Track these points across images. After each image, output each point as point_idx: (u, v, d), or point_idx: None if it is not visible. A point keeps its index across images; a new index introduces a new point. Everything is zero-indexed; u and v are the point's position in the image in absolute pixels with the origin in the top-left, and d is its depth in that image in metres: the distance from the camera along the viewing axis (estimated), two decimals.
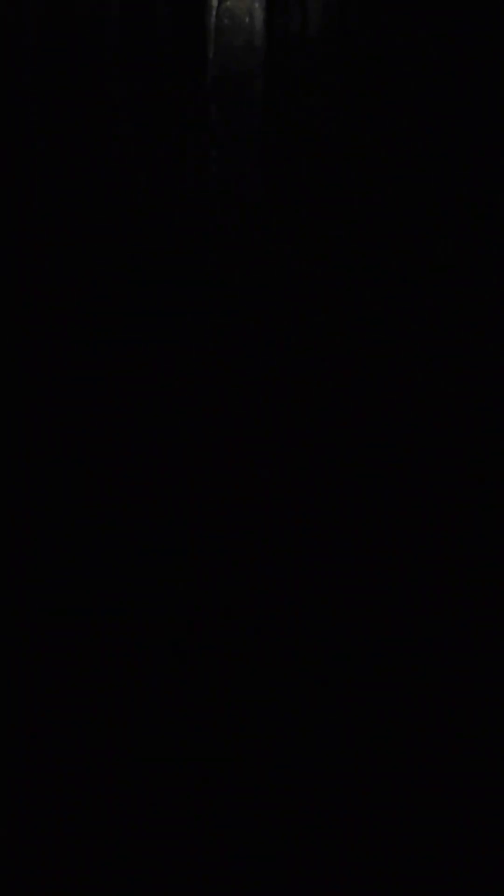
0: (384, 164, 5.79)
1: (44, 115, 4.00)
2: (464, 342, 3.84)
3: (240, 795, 1.98)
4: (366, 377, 3.69)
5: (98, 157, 3.98)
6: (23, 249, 4.32)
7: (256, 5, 4.64)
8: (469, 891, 1.85)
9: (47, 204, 4.22)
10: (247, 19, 4.60)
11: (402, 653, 2.28)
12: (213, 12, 4.40)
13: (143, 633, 2.35)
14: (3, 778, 2.01)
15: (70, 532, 2.82)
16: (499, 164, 4.92)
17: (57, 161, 4.15)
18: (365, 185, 5.93)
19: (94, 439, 3.33)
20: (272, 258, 5.18)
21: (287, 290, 4.88)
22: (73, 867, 1.86)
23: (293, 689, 2.18)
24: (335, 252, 5.17)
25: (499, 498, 2.95)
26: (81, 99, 4.44)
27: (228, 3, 4.45)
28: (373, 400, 3.60)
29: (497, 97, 4.52)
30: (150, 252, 4.12)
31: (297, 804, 1.98)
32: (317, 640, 2.30)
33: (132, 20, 4.07)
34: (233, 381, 3.81)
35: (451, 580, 2.50)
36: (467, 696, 2.19)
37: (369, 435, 3.39)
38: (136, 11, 4.27)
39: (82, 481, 3.10)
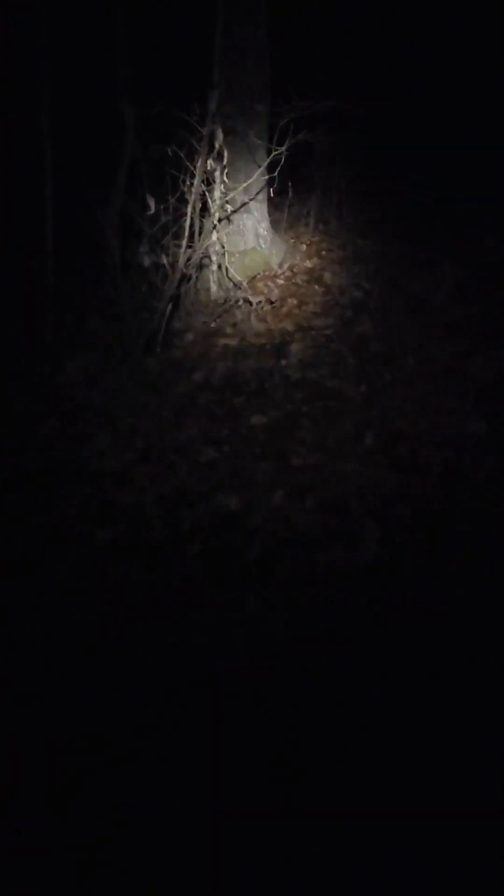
0: (383, 184, 5.85)
1: (55, 131, 4.11)
2: None
3: None
4: None
5: (108, 174, 4.07)
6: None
7: (261, 24, 4.72)
8: None
9: (55, 213, 4.33)
10: (252, 40, 4.69)
11: None
12: (219, 33, 4.50)
13: None
14: None
15: None
16: None
17: (66, 174, 4.25)
18: (363, 202, 5.97)
19: None
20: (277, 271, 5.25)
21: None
22: None
23: None
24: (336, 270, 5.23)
25: None
26: (93, 120, 4.54)
27: (233, 25, 4.55)
28: None
29: None
30: (156, 263, 4.22)
31: None
32: None
33: (140, 45, 4.16)
34: None
35: None
36: None
37: None
38: (143, 32, 4.36)
39: None
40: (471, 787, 2.13)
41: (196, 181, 4.25)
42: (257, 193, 4.99)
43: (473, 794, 2.11)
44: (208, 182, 4.47)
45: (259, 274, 5.13)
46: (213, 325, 4.64)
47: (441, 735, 2.26)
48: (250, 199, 4.97)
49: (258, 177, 4.67)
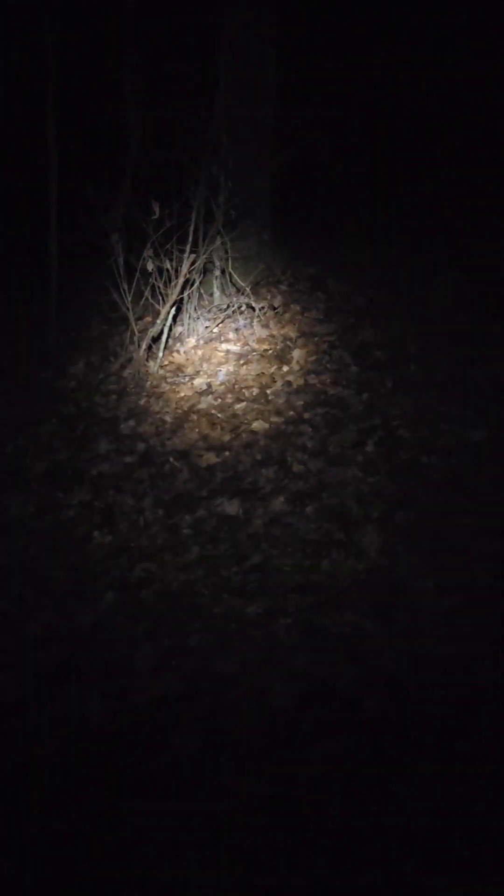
0: (386, 190, 5.86)
1: (63, 137, 4.13)
2: None
3: None
4: None
5: (113, 178, 4.09)
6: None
7: (266, 31, 4.73)
8: None
9: (62, 216, 4.34)
10: (258, 46, 4.69)
11: None
12: (224, 39, 4.51)
13: None
14: None
15: None
16: None
17: (71, 178, 4.26)
18: (366, 209, 5.99)
19: None
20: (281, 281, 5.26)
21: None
22: None
23: None
24: (340, 282, 5.24)
25: None
26: (99, 125, 4.56)
27: (239, 31, 4.55)
28: None
29: None
30: (160, 268, 4.22)
31: None
32: None
33: (148, 53, 4.19)
34: None
35: None
36: None
37: None
38: (151, 39, 4.38)
39: None
40: None
41: (200, 186, 4.26)
42: (261, 199, 5.00)
43: None
44: (213, 187, 4.48)
45: (262, 279, 5.13)
46: (215, 330, 4.64)
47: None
48: (254, 205, 4.97)
49: (262, 182, 4.68)
